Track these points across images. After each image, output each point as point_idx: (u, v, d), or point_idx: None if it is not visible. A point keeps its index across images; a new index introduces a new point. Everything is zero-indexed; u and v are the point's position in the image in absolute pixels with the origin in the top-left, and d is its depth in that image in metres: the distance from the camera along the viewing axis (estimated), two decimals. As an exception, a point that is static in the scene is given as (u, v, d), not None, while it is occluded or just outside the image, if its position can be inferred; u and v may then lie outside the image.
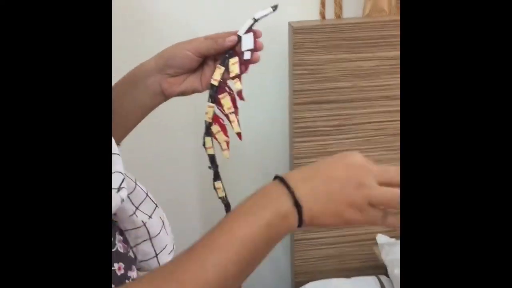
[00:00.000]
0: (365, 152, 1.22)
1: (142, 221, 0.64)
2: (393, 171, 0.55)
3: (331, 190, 0.53)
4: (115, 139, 0.61)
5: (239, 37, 0.69)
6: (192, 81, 0.73)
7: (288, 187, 0.52)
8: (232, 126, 0.70)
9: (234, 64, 0.69)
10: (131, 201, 0.64)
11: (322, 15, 1.22)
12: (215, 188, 0.71)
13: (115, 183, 0.58)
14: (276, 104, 1.29)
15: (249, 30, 0.69)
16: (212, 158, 0.71)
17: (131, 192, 0.65)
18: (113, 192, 0.56)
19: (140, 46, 1.14)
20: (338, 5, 1.21)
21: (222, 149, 0.70)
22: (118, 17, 1.17)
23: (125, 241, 0.63)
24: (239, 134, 0.71)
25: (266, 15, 0.69)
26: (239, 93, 0.70)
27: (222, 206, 0.71)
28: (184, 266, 0.48)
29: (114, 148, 0.60)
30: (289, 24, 1.15)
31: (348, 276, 1.32)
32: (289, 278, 1.49)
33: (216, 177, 0.71)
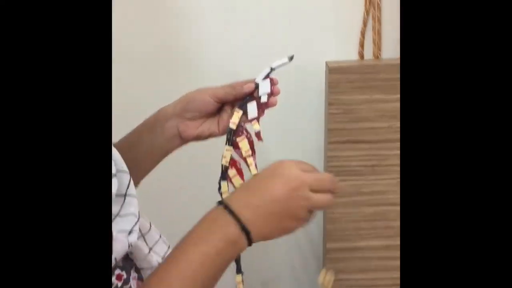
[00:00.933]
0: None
1: (157, 261, 0.64)
2: (326, 179, 0.62)
3: (274, 211, 0.58)
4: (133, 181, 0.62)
5: (257, 84, 0.72)
6: (209, 124, 0.74)
7: (233, 214, 0.56)
8: (249, 169, 0.70)
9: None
10: (145, 241, 0.65)
11: (361, 55, 1.22)
12: None
13: (127, 225, 0.59)
14: (312, 143, 1.29)
15: (266, 77, 0.72)
16: None
17: (146, 233, 0.66)
18: (123, 235, 0.57)
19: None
20: (377, 46, 1.21)
21: None
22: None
23: (140, 278, 0.64)
24: None
25: (283, 64, 0.72)
26: (257, 134, 0.71)
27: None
28: None
29: (131, 189, 0.61)
30: (326, 63, 1.16)
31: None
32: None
33: None
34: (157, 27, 1.18)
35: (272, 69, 0.72)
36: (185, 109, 0.74)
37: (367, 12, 1.20)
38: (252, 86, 0.72)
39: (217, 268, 0.56)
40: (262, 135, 0.71)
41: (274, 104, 0.72)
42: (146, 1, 1.17)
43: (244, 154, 0.70)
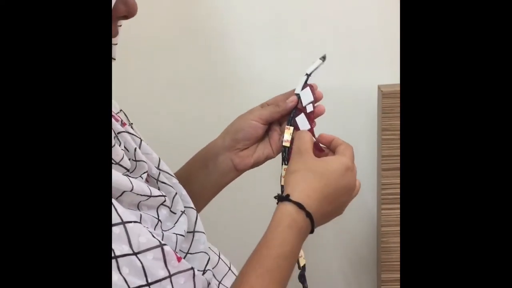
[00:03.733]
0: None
1: None
2: (351, 151, 0.68)
3: (333, 210, 0.64)
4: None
5: (298, 95, 0.70)
6: (262, 148, 0.73)
7: (310, 216, 0.60)
8: None
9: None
10: (214, 276, 0.64)
11: (414, 78, 1.18)
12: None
13: (200, 265, 0.59)
14: (365, 170, 1.25)
15: (305, 85, 0.70)
16: None
17: (215, 266, 0.65)
18: (199, 273, 0.57)
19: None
20: (431, 68, 1.17)
21: None
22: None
23: None
24: None
25: (317, 68, 0.70)
26: (316, 145, 0.69)
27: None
28: None
29: (199, 225, 0.62)
30: (378, 88, 1.12)
31: None
32: None
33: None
34: (207, 54, 1.19)
35: (308, 75, 0.70)
36: (235, 140, 0.73)
37: (420, 33, 1.16)
38: (295, 99, 0.70)
39: (293, 262, 0.60)
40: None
41: (322, 112, 0.71)
42: (197, 30, 1.17)
43: None
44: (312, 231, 0.61)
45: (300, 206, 0.59)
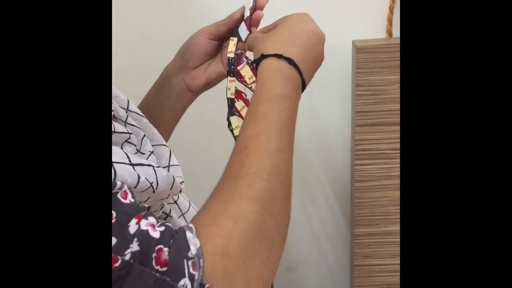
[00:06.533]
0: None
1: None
2: None
3: (313, 57, 0.60)
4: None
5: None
6: (214, 66, 0.73)
7: (298, 68, 0.57)
8: None
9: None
10: (185, 220, 0.66)
11: (389, 33, 1.18)
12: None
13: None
14: (338, 125, 1.25)
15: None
16: None
17: (186, 212, 0.67)
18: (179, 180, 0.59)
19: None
20: (406, 23, 1.16)
21: None
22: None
23: None
24: None
25: None
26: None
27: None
28: (250, 160, 0.50)
29: (173, 160, 0.63)
30: (353, 43, 1.11)
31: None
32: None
33: None
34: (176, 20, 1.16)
35: None
36: (184, 59, 0.72)
37: (395, -13, 1.15)
38: (242, 11, 0.70)
39: (295, 116, 0.57)
40: None
41: (259, 17, 0.70)
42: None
43: (248, 81, 0.67)
44: (303, 84, 0.59)
45: (278, 56, 0.57)
